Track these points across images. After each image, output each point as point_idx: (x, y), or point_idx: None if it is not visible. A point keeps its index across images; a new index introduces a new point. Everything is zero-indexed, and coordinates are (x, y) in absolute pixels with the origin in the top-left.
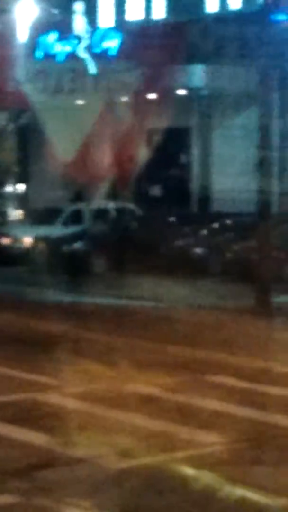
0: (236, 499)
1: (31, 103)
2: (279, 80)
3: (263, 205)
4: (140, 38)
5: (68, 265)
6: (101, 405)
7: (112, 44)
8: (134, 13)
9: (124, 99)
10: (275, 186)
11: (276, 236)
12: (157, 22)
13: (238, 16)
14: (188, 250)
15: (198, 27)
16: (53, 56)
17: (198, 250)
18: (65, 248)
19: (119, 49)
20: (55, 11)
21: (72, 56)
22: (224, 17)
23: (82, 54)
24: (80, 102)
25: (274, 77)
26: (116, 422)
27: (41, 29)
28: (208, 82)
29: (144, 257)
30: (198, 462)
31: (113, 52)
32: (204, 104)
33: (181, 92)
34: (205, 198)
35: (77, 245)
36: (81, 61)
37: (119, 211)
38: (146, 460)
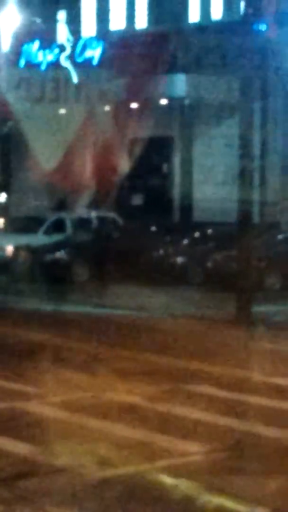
0: (215, 508)
1: (13, 112)
2: (260, 90)
3: (244, 214)
4: (123, 48)
5: (50, 274)
6: (82, 414)
7: (95, 53)
8: (117, 22)
9: (107, 108)
10: (256, 196)
11: (257, 246)
12: (139, 31)
13: (219, 26)
14: (169, 259)
15: (180, 36)
16: (35, 65)
17: (179, 260)
18: (47, 257)
19: (102, 58)
20: (38, 20)
21: (55, 65)
22: (205, 27)
23: (65, 63)
24: (62, 111)
25: (255, 87)
26: (97, 431)
27: (23, 38)
28: (190, 92)
29: (125, 266)
30: (178, 471)
31: (95, 61)
32: (185, 113)
33: (163, 101)
34: (187, 208)
35: (59, 254)
36: (64, 70)
37: (101, 220)
38: (127, 469)
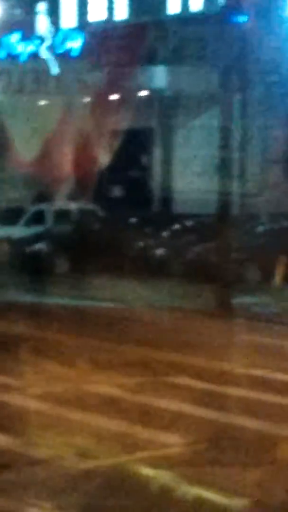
0: (194, 499)
1: None
2: (240, 82)
3: (223, 206)
4: (102, 39)
5: (30, 266)
6: (61, 406)
7: (75, 44)
8: (97, 13)
9: (86, 99)
10: (236, 188)
11: (236, 238)
12: (119, 22)
13: (199, 18)
14: (149, 251)
15: (159, 28)
16: (15, 56)
17: (159, 251)
18: (27, 248)
19: (82, 49)
20: (18, 11)
21: (35, 56)
22: (185, 18)
23: (45, 54)
24: (42, 102)
25: (235, 78)
26: (77, 422)
27: (3, 29)
28: (169, 83)
29: (105, 258)
30: (158, 463)
31: (75, 52)
32: (165, 105)
33: (143, 93)
34: (167, 199)
35: (39, 246)
36: (44, 61)
37: (81, 212)
38: (107, 461)
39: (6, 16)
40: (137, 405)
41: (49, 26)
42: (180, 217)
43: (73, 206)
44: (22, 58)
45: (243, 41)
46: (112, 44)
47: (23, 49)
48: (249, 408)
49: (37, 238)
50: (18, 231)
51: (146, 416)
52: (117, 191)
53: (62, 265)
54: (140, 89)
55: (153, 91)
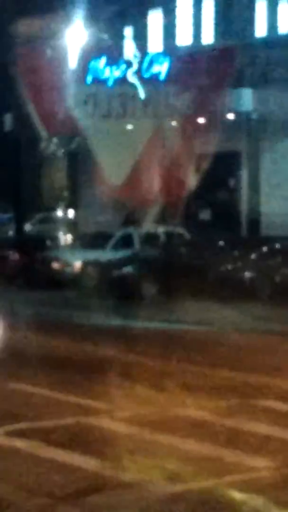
0: None
1: (81, 128)
2: None
3: None
4: (189, 63)
5: (118, 289)
6: (150, 429)
7: (161, 68)
8: (183, 37)
9: (173, 123)
10: None
11: None
12: (206, 46)
13: (286, 40)
14: (237, 274)
15: (246, 51)
16: (103, 81)
17: (247, 274)
18: (114, 272)
19: (168, 73)
20: (105, 36)
21: (122, 81)
22: (272, 41)
23: (132, 78)
24: (129, 126)
25: None
26: (165, 446)
27: (91, 54)
28: (256, 106)
29: (193, 281)
30: (247, 487)
31: (162, 76)
32: (252, 128)
33: (230, 116)
34: (254, 222)
35: (127, 269)
36: (131, 85)
37: (169, 235)
38: (195, 484)
39: (93, 41)
40: (226, 429)
41: (136, 50)
42: (268, 240)
43: (160, 229)
44: (109, 83)
45: None
46: (199, 68)
47: (110, 73)
48: None
49: (124, 261)
50: (106, 255)
51: (235, 440)
52: (204, 214)
53: (149, 288)
54: (227, 112)
55: (240, 114)
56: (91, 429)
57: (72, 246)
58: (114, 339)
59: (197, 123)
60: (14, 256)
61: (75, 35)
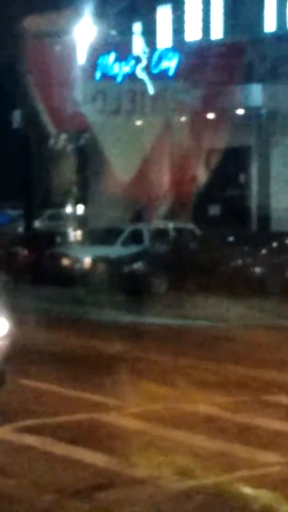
0: None
1: (90, 124)
2: None
3: None
4: (198, 58)
5: (128, 285)
6: (161, 425)
7: (170, 64)
8: (192, 33)
9: (183, 119)
10: None
11: None
12: (215, 42)
13: None
14: (247, 269)
15: (256, 46)
16: (112, 77)
17: (257, 270)
18: (124, 268)
19: (177, 69)
20: (114, 32)
21: (131, 76)
22: (282, 36)
23: (141, 74)
24: (138, 122)
25: None
26: (176, 442)
27: (99, 50)
28: (266, 101)
29: (203, 277)
30: (258, 482)
31: (171, 72)
32: (262, 123)
33: (240, 111)
34: (264, 218)
35: (137, 265)
36: (140, 81)
37: (179, 231)
38: (206, 480)
39: (102, 37)
40: (236, 424)
41: (144, 46)
42: (278, 235)
43: (170, 225)
44: (118, 79)
45: None
46: (208, 63)
47: (119, 70)
48: None
49: (134, 257)
50: (115, 251)
51: (245, 435)
52: (214, 210)
53: (159, 284)
54: (237, 107)
55: (250, 109)
56: (102, 425)
57: (82, 242)
58: (124, 335)
59: (206, 119)
60: (23, 252)
61: (84, 31)
